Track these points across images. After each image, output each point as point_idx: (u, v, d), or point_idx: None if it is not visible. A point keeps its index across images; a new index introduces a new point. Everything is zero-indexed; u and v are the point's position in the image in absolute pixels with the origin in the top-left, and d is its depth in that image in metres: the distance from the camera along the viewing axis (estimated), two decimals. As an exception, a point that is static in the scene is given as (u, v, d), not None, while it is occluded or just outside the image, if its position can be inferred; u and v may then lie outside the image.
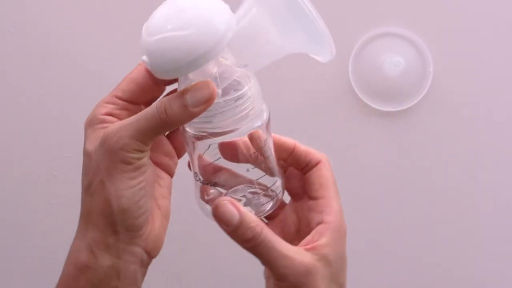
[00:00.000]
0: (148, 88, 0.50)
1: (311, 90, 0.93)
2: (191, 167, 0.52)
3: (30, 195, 0.97)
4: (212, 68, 0.48)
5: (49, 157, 0.96)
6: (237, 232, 0.47)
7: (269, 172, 0.52)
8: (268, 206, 0.52)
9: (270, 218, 0.56)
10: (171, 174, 0.53)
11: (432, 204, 0.95)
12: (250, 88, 0.48)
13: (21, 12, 0.95)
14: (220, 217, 0.47)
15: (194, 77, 0.48)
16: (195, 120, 0.47)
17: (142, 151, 0.46)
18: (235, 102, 0.48)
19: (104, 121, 0.49)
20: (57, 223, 0.96)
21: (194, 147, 0.50)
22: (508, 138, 0.93)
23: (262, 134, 0.51)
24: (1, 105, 0.97)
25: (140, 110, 0.48)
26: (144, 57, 0.48)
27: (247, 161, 0.51)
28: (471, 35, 0.91)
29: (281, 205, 0.55)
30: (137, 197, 0.46)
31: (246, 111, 0.48)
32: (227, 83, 0.48)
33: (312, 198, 0.53)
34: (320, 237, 0.50)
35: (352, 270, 0.98)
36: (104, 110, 0.49)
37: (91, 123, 0.49)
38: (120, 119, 0.49)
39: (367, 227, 0.96)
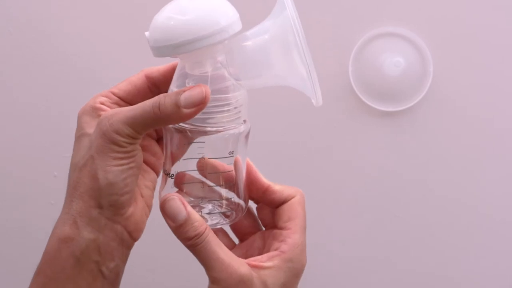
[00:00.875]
0: (143, 92, 0.54)
1: (311, 90, 0.93)
2: (165, 164, 0.54)
3: (30, 195, 0.97)
4: (205, 61, 0.50)
5: (49, 157, 0.97)
6: (181, 229, 0.49)
7: (236, 191, 0.54)
8: (223, 222, 0.54)
9: (239, 240, 0.58)
10: (156, 173, 0.55)
11: (432, 204, 0.95)
12: (236, 97, 0.51)
13: (21, 12, 0.95)
14: (167, 212, 0.50)
15: (187, 67, 0.51)
16: None
17: (134, 138, 0.49)
18: (219, 104, 0.50)
19: (100, 109, 0.52)
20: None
21: (172, 141, 0.53)
22: (508, 138, 0.93)
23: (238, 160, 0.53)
24: (1, 105, 0.97)
25: None
26: (147, 33, 0.51)
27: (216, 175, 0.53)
28: (471, 35, 0.91)
29: (252, 230, 0.57)
30: (124, 174, 0.49)
31: (227, 115, 0.50)
32: (217, 86, 0.50)
33: (279, 228, 0.54)
34: (267, 261, 0.51)
35: (352, 270, 0.99)
36: (98, 100, 0.53)
37: (87, 112, 0.52)
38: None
39: (366, 226, 0.96)
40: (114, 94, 0.54)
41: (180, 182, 0.53)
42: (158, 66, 0.54)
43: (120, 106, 0.53)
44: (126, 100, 0.54)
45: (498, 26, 0.91)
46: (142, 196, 0.53)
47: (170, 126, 0.51)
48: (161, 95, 0.49)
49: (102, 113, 0.51)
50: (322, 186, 0.96)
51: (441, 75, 0.92)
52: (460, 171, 0.94)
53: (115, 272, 0.51)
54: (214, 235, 0.50)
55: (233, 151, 0.53)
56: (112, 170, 0.48)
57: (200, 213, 0.52)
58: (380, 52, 0.92)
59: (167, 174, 0.53)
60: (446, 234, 0.96)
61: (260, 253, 0.55)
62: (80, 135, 0.52)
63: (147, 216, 0.53)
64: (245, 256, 0.55)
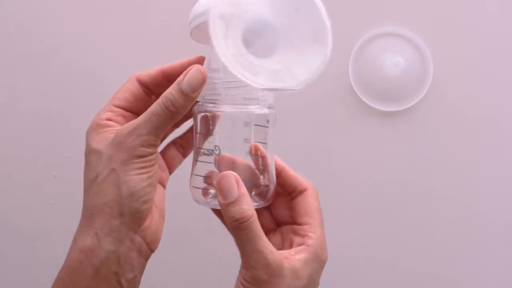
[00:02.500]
0: (140, 96, 0.56)
1: (311, 90, 0.93)
2: (198, 145, 0.55)
3: (30, 195, 0.97)
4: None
5: (49, 157, 0.97)
6: (229, 207, 0.50)
7: (268, 174, 0.55)
8: (261, 203, 0.55)
9: None
10: (164, 186, 0.57)
11: (432, 203, 0.95)
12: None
13: (21, 12, 0.95)
14: (220, 187, 0.51)
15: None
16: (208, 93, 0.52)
17: (155, 146, 0.51)
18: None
19: (107, 126, 0.54)
20: (57, 223, 0.96)
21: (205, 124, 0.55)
22: (508, 137, 0.93)
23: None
24: (1, 105, 0.97)
25: (134, 118, 0.53)
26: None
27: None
28: (471, 35, 0.91)
29: (269, 228, 0.58)
30: (145, 183, 0.51)
31: (257, 94, 0.53)
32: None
33: (297, 223, 0.56)
34: (296, 254, 0.53)
35: (353, 270, 0.99)
36: (104, 116, 0.54)
37: (94, 128, 0.54)
38: (119, 124, 0.54)
39: (366, 226, 0.96)
40: (116, 106, 0.55)
41: (220, 164, 0.54)
42: (148, 70, 0.56)
43: (124, 116, 0.55)
44: (128, 108, 0.55)
45: (498, 26, 0.91)
46: (156, 207, 0.54)
47: (198, 111, 0.54)
48: (165, 95, 0.51)
49: (110, 129, 0.53)
50: (322, 186, 0.95)
51: (441, 75, 0.92)
52: (460, 171, 0.94)
53: (133, 283, 0.52)
54: (259, 224, 0.51)
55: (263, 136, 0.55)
56: (134, 179, 0.50)
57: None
58: (380, 52, 0.92)
59: (208, 152, 0.54)
60: (446, 234, 0.96)
61: (280, 248, 0.55)
62: (88, 153, 0.53)
63: (162, 227, 0.54)
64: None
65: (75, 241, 0.52)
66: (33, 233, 0.98)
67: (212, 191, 0.55)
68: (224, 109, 0.53)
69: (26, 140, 0.97)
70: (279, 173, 0.57)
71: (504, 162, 0.94)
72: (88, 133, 0.55)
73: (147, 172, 0.51)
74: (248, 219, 0.50)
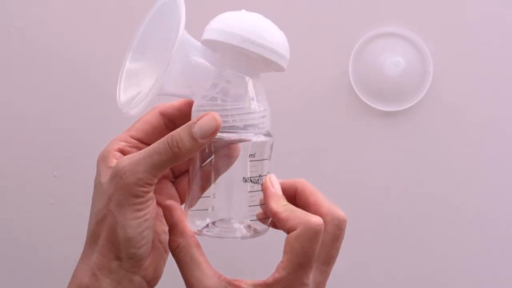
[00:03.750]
0: (160, 129, 0.54)
1: (311, 90, 0.93)
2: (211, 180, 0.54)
3: (30, 195, 0.97)
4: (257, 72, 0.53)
5: (49, 157, 0.96)
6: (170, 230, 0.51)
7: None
8: (237, 235, 0.54)
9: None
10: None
11: (433, 203, 0.95)
12: (261, 106, 0.53)
13: (21, 12, 0.95)
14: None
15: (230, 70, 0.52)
16: None
17: (151, 185, 0.49)
18: (244, 105, 0.52)
19: (116, 157, 0.53)
20: (57, 223, 0.96)
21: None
22: (508, 137, 0.93)
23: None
24: (1, 105, 0.97)
25: None
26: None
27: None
28: (471, 35, 0.91)
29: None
30: (142, 228, 0.49)
31: (253, 121, 0.52)
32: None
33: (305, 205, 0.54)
34: (250, 285, 0.51)
35: (353, 270, 0.98)
36: (116, 147, 0.53)
37: (104, 158, 0.53)
38: None
39: (366, 226, 0.96)
40: (132, 136, 0.54)
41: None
42: (171, 102, 0.55)
43: (139, 148, 0.53)
44: (145, 141, 0.54)
45: (498, 26, 0.91)
46: (160, 243, 0.53)
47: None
48: (173, 134, 0.49)
49: (115, 160, 0.52)
50: (322, 186, 0.95)
51: (441, 75, 0.92)
52: (461, 171, 0.94)
53: None
54: (198, 243, 0.51)
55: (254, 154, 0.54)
56: (131, 225, 0.49)
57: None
58: (380, 52, 0.92)
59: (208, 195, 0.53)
60: (447, 234, 0.96)
61: None
62: (97, 184, 0.52)
63: (164, 262, 0.54)
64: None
65: (74, 276, 0.51)
66: (33, 233, 0.98)
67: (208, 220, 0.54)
68: (221, 135, 0.51)
69: (26, 140, 0.97)
70: (271, 217, 0.53)
71: (504, 161, 0.94)
72: (98, 161, 0.53)
73: (144, 216, 0.49)
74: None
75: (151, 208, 0.50)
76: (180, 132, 0.49)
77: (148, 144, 0.53)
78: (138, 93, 0.52)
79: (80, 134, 0.96)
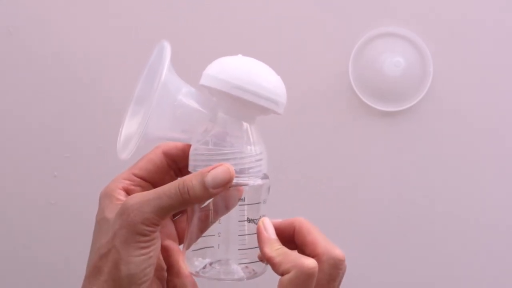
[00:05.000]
0: (163, 169, 0.55)
1: (311, 90, 0.93)
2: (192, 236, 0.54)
3: (30, 195, 0.97)
4: (252, 119, 0.53)
5: (49, 157, 0.97)
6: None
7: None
8: (236, 277, 0.54)
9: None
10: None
11: (433, 204, 0.95)
12: (258, 150, 0.53)
13: (21, 12, 0.95)
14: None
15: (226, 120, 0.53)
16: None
17: (158, 225, 0.50)
18: (239, 150, 0.52)
19: (121, 195, 0.53)
20: (57, 223, 0.96)
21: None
22: (508, 137, 0.93)
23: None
24: (1, 105, 0.97)
25: (152, 188, 0.53)
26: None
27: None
28: (471, 35, 0.91)
29: None
30: (145, 265, 0.50)
31: (246, 166, 0.52)
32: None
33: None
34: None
35: (353, 270, 0.98)
36: (121, 185, 0.54)
37: (108, 195, 0.53)
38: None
39: (367, 227, 0.96)
40: (135, 175, 0.54)
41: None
42: (173, 142, 0.55)
43: (142, 187, 0.54)
44: (148, 179, 0.55)
45: (498, 26, 0.91)
46: (158, 279, 0.54)
47: None
48: (186, 180, 0.50)
49: (122, 198, 0.52)
50: (322, 186, 0.96)
51: (441, 75, 0.92)
52: (461, 171, 0.94)
53: None
54: (195, 284, 0.53)
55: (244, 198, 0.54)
56: (134, 261, 0.49)
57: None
58: (380, 52, 0.92)
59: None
60: (447, 234, 0.96)
61: None
62: (100, 219, 0.52)
63: None
64: None
65: None
66: (33, 233, 0.98)
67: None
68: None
69: (26, 140, 0.97)
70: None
71: (504, 161, 0.94)
72: (101, 197, 0.54)
73: (148, 253, 0.50)
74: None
75: (156, 247, 0.51)
76: (192, 179, 0.50)
77: (151, 183, 0.55)
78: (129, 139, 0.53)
79: (80, 134, 0.96)
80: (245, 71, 0.51)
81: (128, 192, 0.54)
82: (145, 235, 0.49)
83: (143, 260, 0.50)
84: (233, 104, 0.52)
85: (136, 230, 0.49)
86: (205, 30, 0.92)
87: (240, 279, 0.54)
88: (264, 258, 0.52)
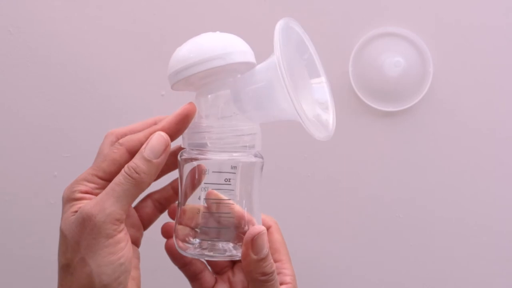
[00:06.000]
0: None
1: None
2: (182, 196, 0.54)
3: (30, 195, 0.97)
4: (217, 89, 0.52)
5: (49, 157, 0.96)
6: (261, 263, 0.50)
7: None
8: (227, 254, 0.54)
9: (217, 273, 0.59)
10: (137, 245, 0.55)
11: (432, 204, 0.95)
12: (252, 127, 0.53)
13: (21, 12, 0.95)
14: (255, 244, 0.50)
15: (201, 101, 0.53)
16: (193, 140, 0.52)
17: (121, 221, 0.48)
18: (233, 128, 0.52)
19: (83, 199, 0.51)
20: (57, 223, 0.96)
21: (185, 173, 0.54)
22: (508, 137, 0.93)
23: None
24: (1, 105, 0.97)
25: None
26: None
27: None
28: (471, 35, 0.91)
29: (229, 264, 0.58)
30: (117, 273, 0.48)
31: (242, 141, 0.52)
32: (227, 114, 0.52)
33: None
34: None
35: (353, 270, 0.98)
36: (83, 188, 0.51)
37: (69, 199, 0.51)
38: None
39: (367, 227, 0.96)
40: (100, 178, 0.52)
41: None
42: (136, 134, 0.53)
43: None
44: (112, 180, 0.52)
45: (498, 26, 0.91)
46: (133, 279, 0.52)
47: (181, 158, 0.53)
48: (126, 166, 0.49)
49: (81, 205, 0.50)
50: (322, 186, 0.96)
51: (441, 75, 0.92)
52: (460, 171, 0.94)
53: None
54: None
55: (229, 179, 0.53)
56: (105, 271, 0.48)
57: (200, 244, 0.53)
58: (380, 52, 0.92)
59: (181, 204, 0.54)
60: (447, 234, 0.96)
61: (244, 286, 0.56)
62: (60, 230, 0.51)
63: None
64: None
65: None
66: (33, 233, 0.98)
67: (196, 240, 0.53)
68: (211, 156, 0.52)
69: (26, 140, 0.97)
70: (242, 217, 0.54)
71: (504, 161, 0.94)
72: (63, 203, 0.52)
73: (118, 260, 0.48)
74: (274, 273, 0.51)
75: (126, 251, 0.49)
76: (134, 160, 0.49)
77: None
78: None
79: (80, 134, 0.96)
80: (176, 55, 0.52)
81: (93, 194, 0.51)
82: (110, 235, 0.48)
83: (115, 268, 0.48)
84: (193, 84, 0.52)
85: (101, 232, 0.47)
86: (203, 31, 0.92)
87: (232, 257, 0.53)
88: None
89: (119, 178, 0.49)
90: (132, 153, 0.52)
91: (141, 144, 0.52)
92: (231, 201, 0.53)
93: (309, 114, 0.51)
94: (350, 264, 0.97)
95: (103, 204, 0.48)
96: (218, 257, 0.54)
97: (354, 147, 0.94)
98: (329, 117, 0.52)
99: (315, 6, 0.92)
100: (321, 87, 0.53)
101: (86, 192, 0.51)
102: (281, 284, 0.54)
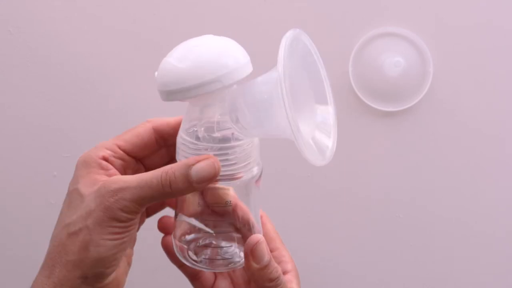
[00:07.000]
0: (150, 145, 0.52)
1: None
2: (178, 209, 0.53)
3: (30, 195, 0.97)
4: (214, 106, 0.50)
5: (49, 157, 0.97)
6: (265, 270, 0.50)
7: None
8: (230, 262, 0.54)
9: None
10: (137, 229, 0.54)
11: (433, 203, 0.95)
12: (241, 145, 0.50)
13: (21, 12, 0.95)
14: (255, 252, 0.50)
15: (197, 111, 0.50)
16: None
17: (137, 213, 0.48)
18: (228, 150, 0.49)
19: (100, 165, 0.50)
20: (57, 223, 0.96)
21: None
22: (507, 137, 0.93)
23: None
24: (1, 105, 0.97)
25: (133, 164, 0.51)
26: (156, 73, 0.50)
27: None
28: (471, 35, 0.91)
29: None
30: (116, 250, 0.48)
31: (236, 161, 0.50)
32: (225, 131, 0.50)
33: None
34: (292, 285, 0.54)
35: (353, 270, 0.99)
36: (101, 154, 0.50)
37: (86, 163, 0.50)
38: (114, 166, 0.51)
39: (367, 227, 0.96)
40: (119, 147, 0.51)
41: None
42: (166, 118, 0.52)
43: (124, 160, 0.51)
44: (132, 153, 0.52)
45: (498, 26, 0.91)
46: (125, 256, 0.51)
47: None
48: (169, 171, 0.47)
49: (102, 172, 0.49)
50: (322, 186, 0.96)
51: (441, 75, 0.92)
52: (460, 171, 0.94)
53: None
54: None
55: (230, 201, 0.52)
56: (106, 244, 0.47)
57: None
58: (380, 52, 0.92)
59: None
60: (447, 234, 0.96)
61: (245, 279, 0.56)
62: (73, 190, 0.50)
63: (127, 274, 0.52)
64: (233, 284, 0.57)
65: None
66: (33, 233, 0.98)
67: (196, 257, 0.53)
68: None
69: (26, 140, 0.97)
70: (234, 209, 0.54)
71: (504, 161, 0.94)
72: (78, 164, 0.50)
73: (122, 238, 0.47)
74: (281, 275, 0.51)
75: (131, 233, 0.48)
76: (175, 172, 0.47)
77: (134, 157, 0.52)
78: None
79: (80, 134, 0.96)
80: (170, 71, 0.48)
81: (109, 163, 0.50)
82: (122, 221, 0.47)
83: (115, 245, 0.47)
84: (186, 99, 0.49)
85: (113, 215, 0.46)
86: (203, 31, 0.92)
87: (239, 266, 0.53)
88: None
89: (151, 179, 0.47)
90: (158, 131, 0.52)
91: (168, 126, 0.52)
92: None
93: (306, 136, 0.48)
94: (350, 264, 0.97)
95: (125, 195, 0.46)
96: (222, 269, 0.54)
97: (354, 147, 0.94)
98: (329, 143, 0.50)
99: (315, 6, 0.92)
100: (326, 111, 0.51)
101: (103, 158, 0.50)
102: (284, 272, 0.54)
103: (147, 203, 0.47)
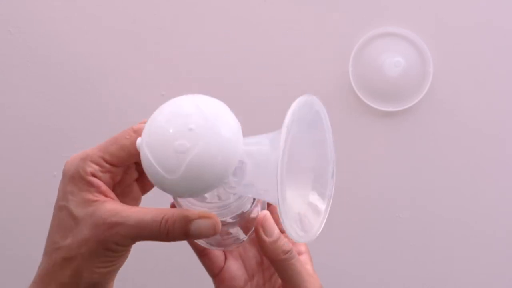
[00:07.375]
0: (136, 156, 0.49)
1: (311, 90, 0.93)
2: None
3: (30, 195, 0.97)
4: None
5: (49, 157, 0.96)
6: (277, 243, 0.52)
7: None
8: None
9: (228, 252, 0.58)
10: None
11: (433, 203, 0.95)
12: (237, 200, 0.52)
13: (21, 12, 0.95)
14: (265, 227, 0.51)
15: None
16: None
17: (130, 245, 0.48)
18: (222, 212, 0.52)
19: (89, 183, 0.49)
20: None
21: None
22: (507, 137, 0.93)
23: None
24: (1, 105, 0.97)
25: (120, 175, 0.50)
26: (139, 140, 0.47)
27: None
28: (471, 35, 0.91)
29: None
30: (109, 276, 0.48)
31: (230, 208, 0.52)
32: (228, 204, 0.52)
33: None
34: (307, 266, 0.56)
35: (353, 270, 0.98)
36: (88, 170, 0.49)
37: (74, 180, 0.49)
38: (103, 181, 0.49)
39: (367, 227, 0.96)
40: (106, 161, 0.50)
41: None
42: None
43: (112, 172, 0.50)
44: (118, 165, 0.50)
45: (498, 26, 0.91)
46: None
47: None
48: (169, 219, 0.46)
49: (93, 190, 0.48)
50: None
51: (441, 75, 0.92)
52: (460, 171, 0.94)
53: None
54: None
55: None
56: (99, 272, 0.47)
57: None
58: (380, 52, 0.92)
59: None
60: (447, 234, 0.96)
61: (258, 260, 0.58)
62: (63, 207, 0.49)
63: (114, 279, 0.52)
64: (246, 267, 0.58)
65: None
66: (33, 233, 0.98)
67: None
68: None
69: (26, 140, 0.97)
70: None
71: (504, 161, 0.94)
72: (65, 180, 0.50)
73: (114, 265, 0.48)
74: (292, 250, 0.52)
75: (122, 258, 0.49)
76: (176, 221, 0.46)
77: (120, 167, 0.50)
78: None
79: (80, 134, 0.96)
80: (164, 181, 0.45)
81: (96, 177, 0.49)
82: (116, 251, 0.47)
83: (108, 271, 0.48)
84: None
85: (108, 247, 0.47)
86: (203, 30, 0.92)
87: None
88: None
89: (151, 223, 0.46)
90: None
91: None
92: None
93: (292, 211, 0.49)
94: (350, 264, 0.97)
95: (121, 229, 0.46)
96: (231, 248, 0.56)
97: (354, 147, 0.94)
98: (316, 223, 0.51)
99: (315, 6, 0.92)
100: (322, 194, 0.52)
101: (92, 174, 0.49)
102: (298, 254, 0.55)
103: (142, 240, 0.47)
